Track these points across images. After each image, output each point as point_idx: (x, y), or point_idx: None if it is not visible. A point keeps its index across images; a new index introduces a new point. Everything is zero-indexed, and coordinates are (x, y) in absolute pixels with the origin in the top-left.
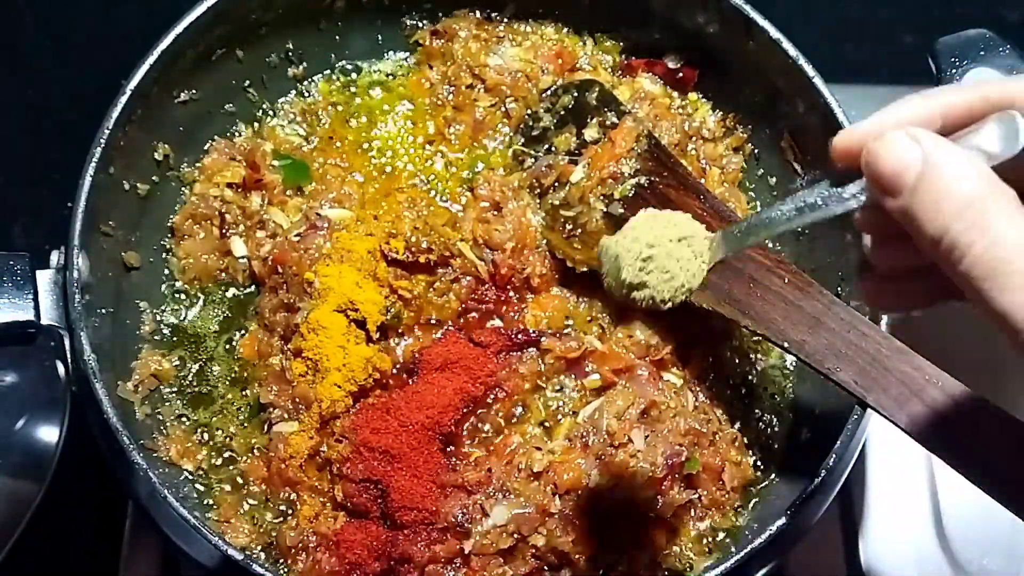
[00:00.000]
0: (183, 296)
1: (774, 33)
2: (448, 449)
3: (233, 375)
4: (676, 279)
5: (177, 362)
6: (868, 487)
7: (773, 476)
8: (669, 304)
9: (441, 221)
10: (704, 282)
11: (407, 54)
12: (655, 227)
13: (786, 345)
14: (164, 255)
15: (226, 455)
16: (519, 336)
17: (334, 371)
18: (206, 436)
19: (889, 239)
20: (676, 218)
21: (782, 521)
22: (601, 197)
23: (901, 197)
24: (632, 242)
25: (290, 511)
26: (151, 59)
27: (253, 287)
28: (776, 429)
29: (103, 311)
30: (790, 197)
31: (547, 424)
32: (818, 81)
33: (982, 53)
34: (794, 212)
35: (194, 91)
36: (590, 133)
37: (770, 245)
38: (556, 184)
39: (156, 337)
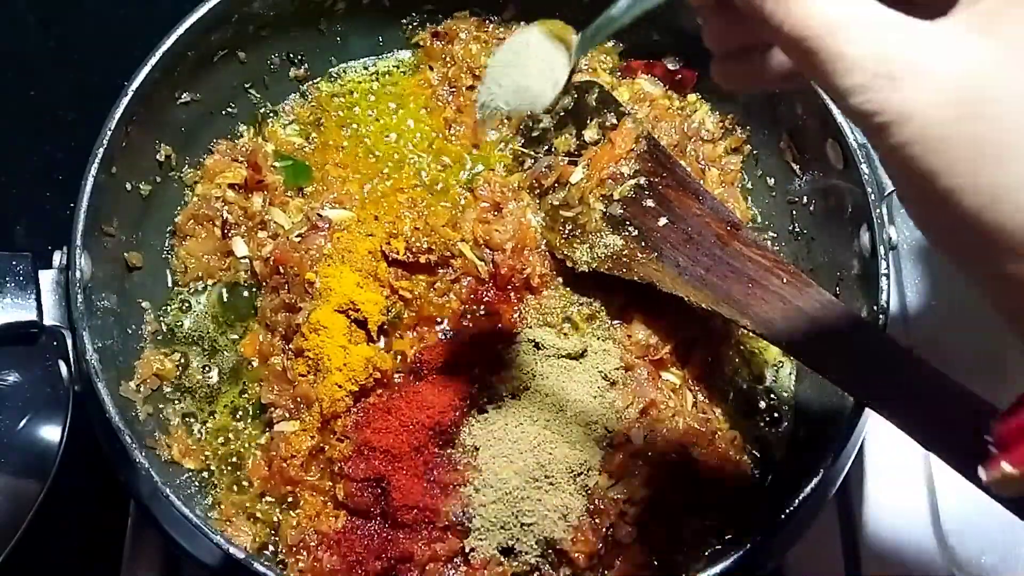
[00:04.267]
0: (185, 296)
1: None
2: (448, 448)
3: (235, 375)
4: (530, 90)
5: (179, 362)
6: (866, 486)
7: (772, 475)
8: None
9: (441, 221)
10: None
11: (408, 55)
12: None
13: (784, 344)
14: (166, 255)
15: (228, 454)
16: (519, 336)
17: (335, 371)
18: (208, 435)
19: (719, 15)
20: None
21: (781, 520)
22: (601, 198)
23: None
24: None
25: (291, 510)
26: (153, 60)
27: (255, 287)
28: (775, 428)
29: (105, 311)
30: None
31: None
32: None
33: None
34: (630, 2)
35: (196, 92)
36: (590, 134)
37: (771, 245)
38: (556, 185)
39: (158, 337)
